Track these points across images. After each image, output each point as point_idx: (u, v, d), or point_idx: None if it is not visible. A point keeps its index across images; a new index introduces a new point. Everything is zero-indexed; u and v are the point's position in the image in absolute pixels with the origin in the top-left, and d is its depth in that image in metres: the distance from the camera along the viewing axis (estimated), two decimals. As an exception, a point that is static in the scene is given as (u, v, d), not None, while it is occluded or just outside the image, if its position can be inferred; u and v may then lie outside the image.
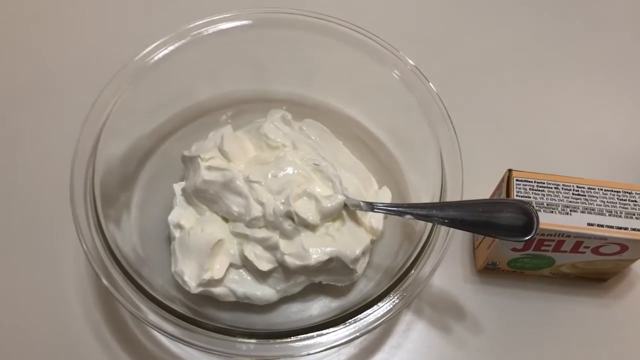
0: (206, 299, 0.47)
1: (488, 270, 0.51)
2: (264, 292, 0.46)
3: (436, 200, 0.46)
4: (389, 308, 0.41)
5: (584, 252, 0.47)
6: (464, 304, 0.51)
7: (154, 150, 0.53)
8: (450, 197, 0.45)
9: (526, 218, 0.40)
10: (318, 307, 0.48)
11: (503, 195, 0.46)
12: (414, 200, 0.50)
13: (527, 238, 0.39)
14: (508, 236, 0.40)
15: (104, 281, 0.41)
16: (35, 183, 0.54)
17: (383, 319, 0.40)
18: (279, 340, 0.40)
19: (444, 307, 0.50)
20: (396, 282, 0.42)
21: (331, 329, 0.40)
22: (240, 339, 0.40)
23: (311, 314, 0.48)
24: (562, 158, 0.57)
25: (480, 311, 0.50)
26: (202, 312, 0.46)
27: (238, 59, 0.54)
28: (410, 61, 0.50)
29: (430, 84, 0.49)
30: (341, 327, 0.40)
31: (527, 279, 0.52)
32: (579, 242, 0.45)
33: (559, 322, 0.50)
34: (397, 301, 0.41)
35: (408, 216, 0.43)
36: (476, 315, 0.50)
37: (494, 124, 0.59)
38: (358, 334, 0.40)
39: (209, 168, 0.47)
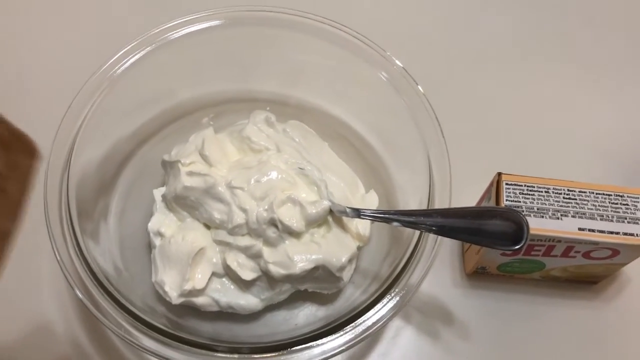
0: (188, 309, 0.45)
1: (477, 274, 0.50)
2: (248, 301, 0.45)
3: (424, 203, 0.44)
4: (377, 318, 0.40)
5: (574, 257, 0.46)
6: (453, 308, 0.50)
7: (133, 154, 0.51)
8: (439, 199, 0.44)
9: (516, 226, 0.38)
10: (304, 315, 0.47)
11: (492, 200, 0.45)
12: (402, 203, 0.49)
13: (516, 247, 0.38)
14: (497, 245, 0.39)
15: (79, 294, 0.40)
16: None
17: (372, 329, 0.39)
18: (264, 355, 0.38)
19: (433, 312, 0.49)
20: (385, 290, 0.41)
21: (318, 341, 0.39)
22: (222, 355, 0.38)
23: (297, 323, 0.46)
24: (552, 160, 0.56)
25: (469, 316, 0.49)
26: (183, 324, 0.45)
27: (220, 58, 0.52)
28: (398, 62, 0.48)
29: (419, 86, 0.47)
30: (328, 338, 0.39)
31: (517, 282, 0.51)
32: (569, 246, 0.44)
33: (550, 326, 0.50)
34: (386, 310, 0.40)
35: (395, 223, 0.42)
36: (466, 321, 0.49)
37: (483, 125, 0.58)
38: (345, 346, 0.39)
39: (190, 174, 0.46)
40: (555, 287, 0.51)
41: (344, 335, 0.39)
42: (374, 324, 0.40)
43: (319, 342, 0.39)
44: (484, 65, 0.62)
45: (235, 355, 0.38)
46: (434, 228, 0.40)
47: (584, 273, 0.49)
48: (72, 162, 0.44)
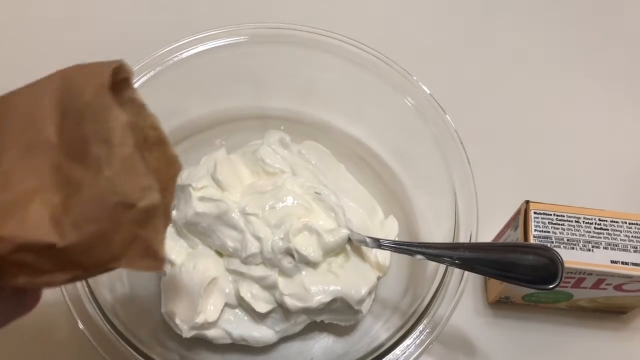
0: (198, 340, 0.43)
1: (500, 303, 0.48)
2: (262, 333, 0.43)
3: (448, 230, 0.42)
4: (402, 358, 0.38)
5: (605, 289, 0.43)
6: (476, 339, 0.48)
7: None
8: (464, 228, 0.42)
9: (548, 261, 0.36)
10: (320, 347, 0.45)
11: (520, 229, 0.43)
12: (423, 229, 0.47)
13: (550, 287, 0.35)
14: (528, 282, 0.36)
15: (82, 327, 0.38)
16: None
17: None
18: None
19: (455, 343, 0.47)
20: (410, 328, 0.38)
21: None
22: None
23: (313, 357, 0.44)
24: (582, 187, 0.54)
25: (493, 347, 0.47)
26: (192, 357, 0.43)
27: (234, 75, 0.50)
28: (425, 87, 0.46)
29: (447, 116, 0.45)
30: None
31: (541, 311, 0.48)
32: (600, 279, 0.42)
33: (576, 357, 0.47)
34: (410, 349, 0.38)
35: (419, 256, 0.39)
36: (489, 352, 0.47)
37: (508, 150, 0.56)
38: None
39: (202, 199, 0.44)
40: (581, 316, 0.49)
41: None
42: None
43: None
44: (511, 89, 0.59)
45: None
46: (460, 262, 0.38)
47: (613, 304, 0.46)
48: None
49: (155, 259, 0.26)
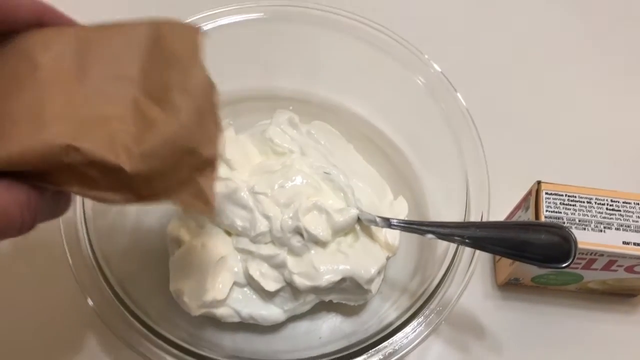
0: (207, 319, 0.43)
1: (509, 285, 0.48)
2: (271, 312, 0.43)
3: (459, 211, 0.42)
4: (410, 338, 0.37)
5: (616, 270, 0.43)
6: (484, 321, 0.47)
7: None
8: (475, 209, 0.42)
9: (561, 239, 0.36)
10: (328, 327, 0.45)
11: (531, 210, 0.42)
12: (432, 210, 0.47)
13: (563, 266, 0.35)
14: (540, 261, 0.36)
15: (91, 304, 0.38)
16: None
17: (406, 349, 0.37)
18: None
19: (463, 325, 0.47)
20: (418, 308, 0.38)
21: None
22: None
23: (321, 336, 0.44)
24: (594, 168, 0.53)
25: (501, 329, 0.47)
26: (201, 335, 0.43)
27: (242, 54, 0.50)
28: (436, 66, 0.45)
29: (458, 94, 0.44)
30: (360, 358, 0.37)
31: (550, 293, 0.48)
32: (612, 260, 0.42)
33: (585, 340, 0.47)
34: (418, 330, 0.38)
35: (430, 235, 0.39)
36: (497, 334, 0.47)
37: (519, 129, 0.55)
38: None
39: (210, 178, 0.43)
40: (591, 299, 0.48)
41: (375, 355, 0.37)
42: (403, 347, 0.37)
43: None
44: (524, 68, 0.58)
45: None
46: (470, 242, 0.38)
47: (623, 286, 0.46)
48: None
49: (206, 203, 0.28)
